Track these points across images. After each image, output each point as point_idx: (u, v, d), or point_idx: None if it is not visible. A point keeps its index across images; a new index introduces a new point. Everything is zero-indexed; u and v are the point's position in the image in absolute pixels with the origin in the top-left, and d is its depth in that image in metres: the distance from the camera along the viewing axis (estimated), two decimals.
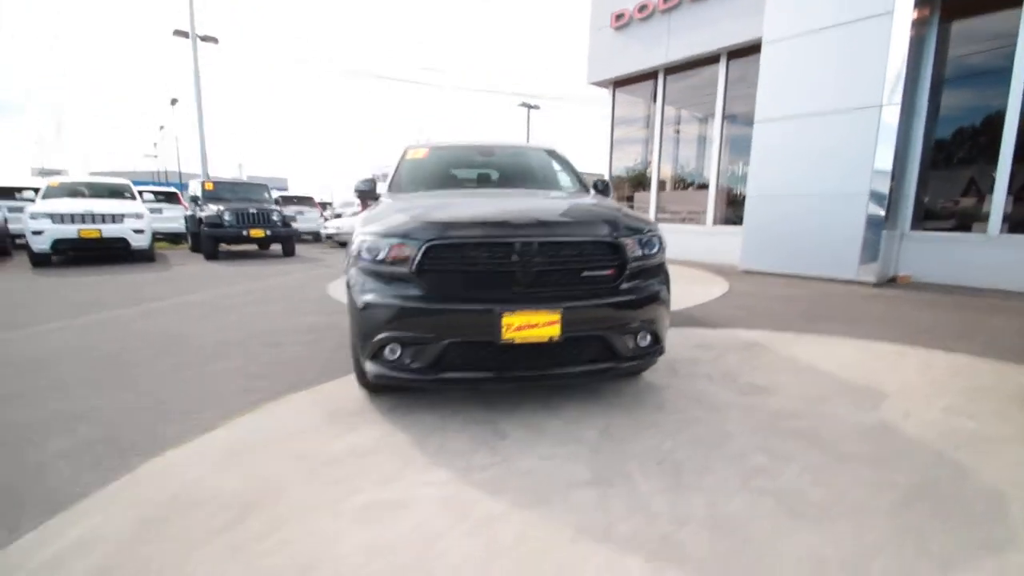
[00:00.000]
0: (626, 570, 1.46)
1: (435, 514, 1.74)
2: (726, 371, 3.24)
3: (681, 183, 10.18)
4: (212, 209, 10.14)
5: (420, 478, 1.97)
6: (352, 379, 3.07)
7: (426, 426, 2.41)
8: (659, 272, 2.63)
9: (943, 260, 6.49)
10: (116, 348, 3.74)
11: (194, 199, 11.53)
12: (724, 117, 8.80)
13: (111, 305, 5.32)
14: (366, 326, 2.34)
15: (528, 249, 2.29)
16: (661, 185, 10.22)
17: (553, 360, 2.36)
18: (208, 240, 10.05)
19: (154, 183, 29.15)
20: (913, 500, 1.84)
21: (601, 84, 10.74)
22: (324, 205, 22.18)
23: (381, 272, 2.37)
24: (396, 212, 2.57)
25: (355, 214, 19.54)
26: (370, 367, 2.38)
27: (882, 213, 6.34)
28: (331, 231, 14.17)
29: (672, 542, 1.59)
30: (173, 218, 13.64)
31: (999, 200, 6.01)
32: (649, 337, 2.54)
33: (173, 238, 14.12)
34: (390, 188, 3.50)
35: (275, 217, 10.68)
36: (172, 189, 14.60)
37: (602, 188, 3.82)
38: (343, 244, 14.06)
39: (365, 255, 2.42)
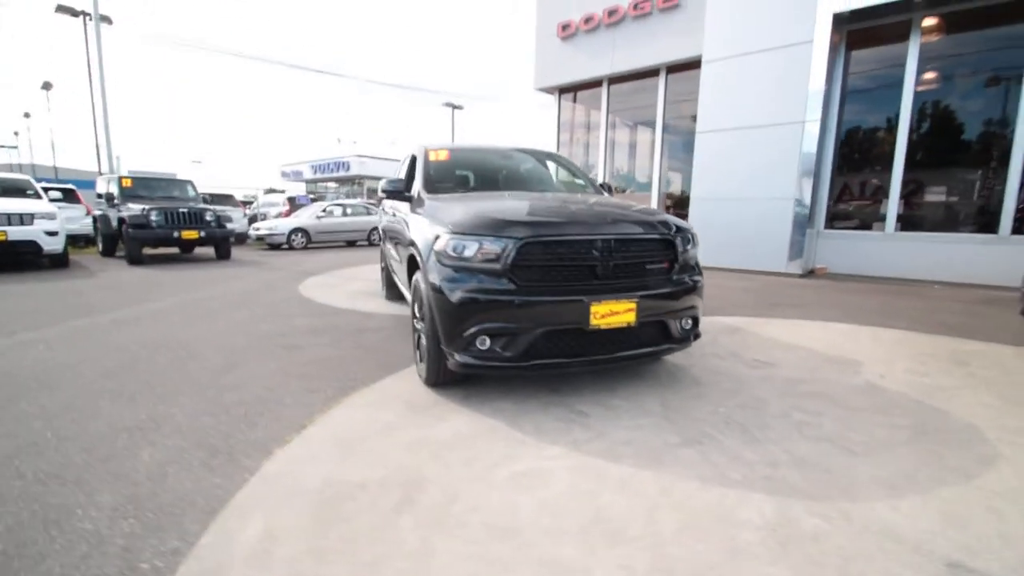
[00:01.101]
0: (757, 504, 1.82)
1: (576, 479, 1.98)
2: (728, 351, 3.75)
3: (622, 187, 10.94)
4: (135, 208, 9.21)
5: (540, 453, 2.20)
6: (406, 375, 3.19)
7: (508, 412, 2.62)
8: (696, 266, 3.04)
9: (850, 254, 7.69)
10: (121, 360, 3.49)
11: (107, 197, 10.36)
12: (665, 125, 9.65)
13: (65, 316, 4.81)
14: (460, 319, 2.50)
15: (607, 245, 2.59)
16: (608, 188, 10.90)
17: (627, 343, 2.68)
18: (133, 243, 9.13)
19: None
20: (919, 435, 2.38)
21: (547, 90, 11.23)
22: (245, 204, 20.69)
23: (471, 268, 2.54)
24: (473, 211, 2.75)
25: (280, 215, 18.53)
26: (460, 357, 2.54)
27: (806, 215, 7.40)
28: (262, 232, 13.35)
29: (776, 479, 1.98)
30: (74, 218, 12.10)
31: (893, 203, 7.28)
32: (691, 321, 2.94)
33: (72, 241, 12.51)
34: (426, 189, 3.60)
35: (209, 217, 9.91)
36: (70, 186, 12.90)
37: (608, 189, 4.21)
38: (275, 246, 13.31)
39: (451, 252, 2.58)
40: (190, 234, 9.58)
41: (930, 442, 2.31)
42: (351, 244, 15.18)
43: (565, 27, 10.23)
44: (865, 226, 7.76)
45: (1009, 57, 6.43)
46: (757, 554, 1.55)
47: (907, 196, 7.26)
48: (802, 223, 7.42)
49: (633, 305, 2.57)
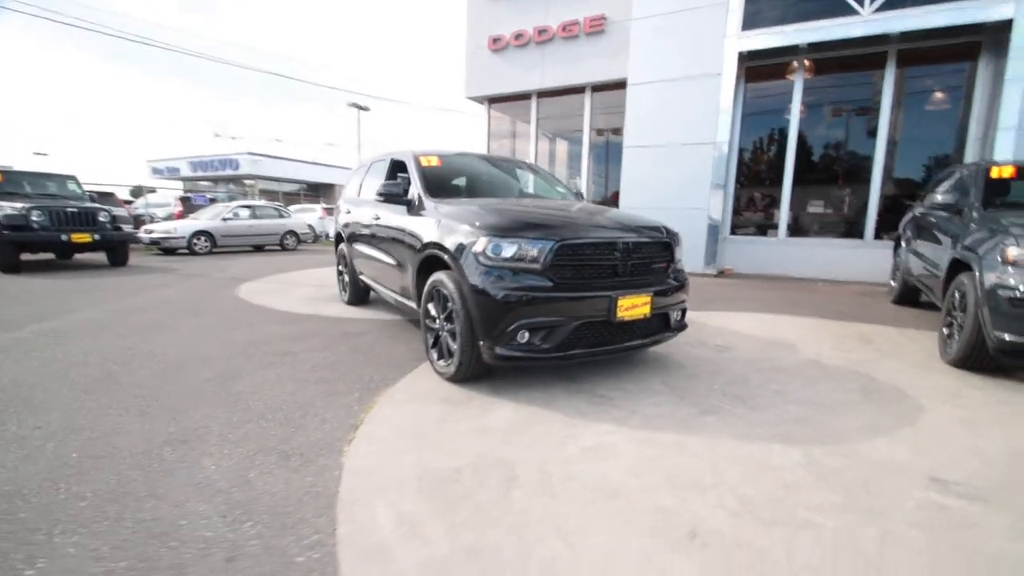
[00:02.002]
0: (784, 452, 2.25)
1: (638, 448, 2.29)
2: (695, 339, 4.29)
3: None
4: (9, 207, 7.88)
5: (594, 430, 2.47)
6: (421, 373, 3.27)
7: (541, 400, 2.85)
8: (681, 266, 3.51)
9: (750, 256, 8.92)
10: (93, 375, 3.14)
11: None
12: (591, 139, 10.40)
13: None
14: (502, 315, 2.69)
15: (627, 247, 2.94)
16: (581, 196, 11.45)
17: (640, 332, 3.05)
18: (8, 248, 7.79)
19: None
20: (866, 394, 3.03)
21: (477, 99, 11.51)
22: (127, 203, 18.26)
23: (512, 268, 2.74)
24: (509, 216, 2.97)
25: (171, 216, 16.65)
26: (501, 351, 2.74)
27: (718, 222, 8.47)
28: (158, 235, 11.94)
29: (787, 434, 2.44)
30: None
31: (784, 213, 8.61)
32: (681, 313, 3.40)
33: None
34: (428, 193, 3.69)
35: (103, 218, 8.75)
36: None
37: (581, 196, 4.60)
38: (170, 251, 11.99)
39: (491, 254, 2.76)
40: (81, 237, 8.39)
41: (875, 399, 2.95)
42: (259, 249, 14.17)
43: (496, 40, 10.61)
44: (762, 232, 9.04)
45: (867, 93, 7.96)
46: (806, 486, 1.96)
47: (794, 208, 8.62)
48: (715, 230, 8.48)
49: (649, 299, 2.95)
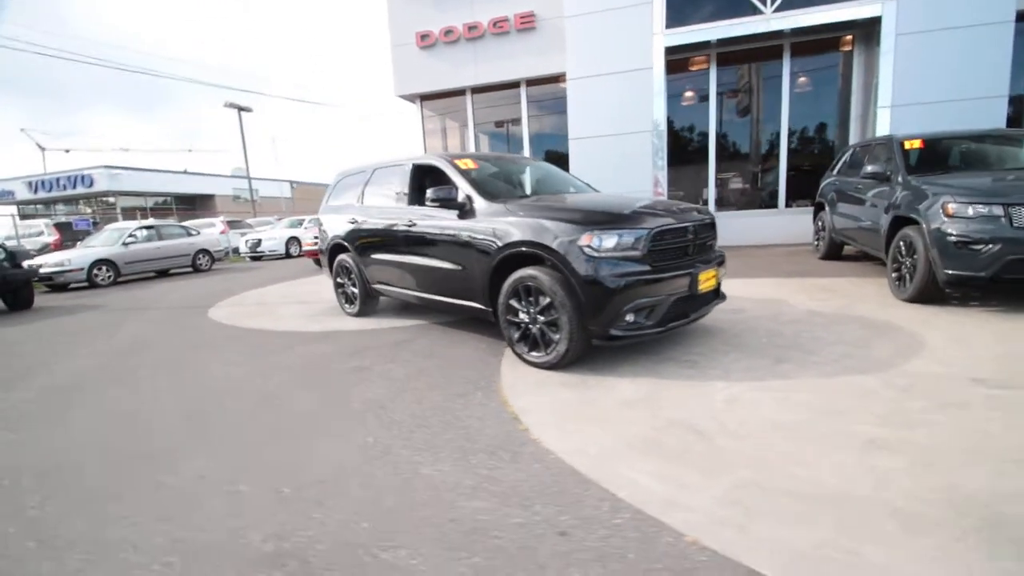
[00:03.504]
0: (861, 380, 2.84)
1: (763, 394, 2.74)
2: None
3: None
4: None
5: (713, 387, 2.88)
6: (510, 365, 3.44)
7: (643, 372, 3.21)
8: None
9: None
10: (166, 426, 2.91)
11: None
12: (530, 131, 10.80)
13: None
14: (616, 300, 3.00)
15: (695, 229, 3.39)
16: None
17: (705, 301, 3.52)
18: None
19: None
20: (873, 329, 3.78)
21: (408, 97, 11.34)
22: None
23: (617, 257, 3.05)
24: (602, 209, 3.32)
25: (47, 247, 14.19)
26: (614, 331, 3.06)
27: None
28: (49, 269, 10.22)
29: (852, 367, 3.05)
30: None
31: (711, 189, 9.73)
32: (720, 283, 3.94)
33: None
34: (484, 197, 3.82)
35: None
36: None
37: (591, 187, 4.99)
38: (61, 287, 10.32)
39: (595, 245, 3.04)
40: None
41: (881, 333, 3.71)
42: (164, 274, 12.75)
43: (424, 36, 10.53)
44: None
45: (775, 84, 9.27)
46: (903, 399, 2.55)
47: (720, 185, 9.79)
48: None
49: (715, 272, 3.43)
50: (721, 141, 9.69)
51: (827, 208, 7.05)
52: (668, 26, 8.72)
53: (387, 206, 4.82)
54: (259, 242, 16.18)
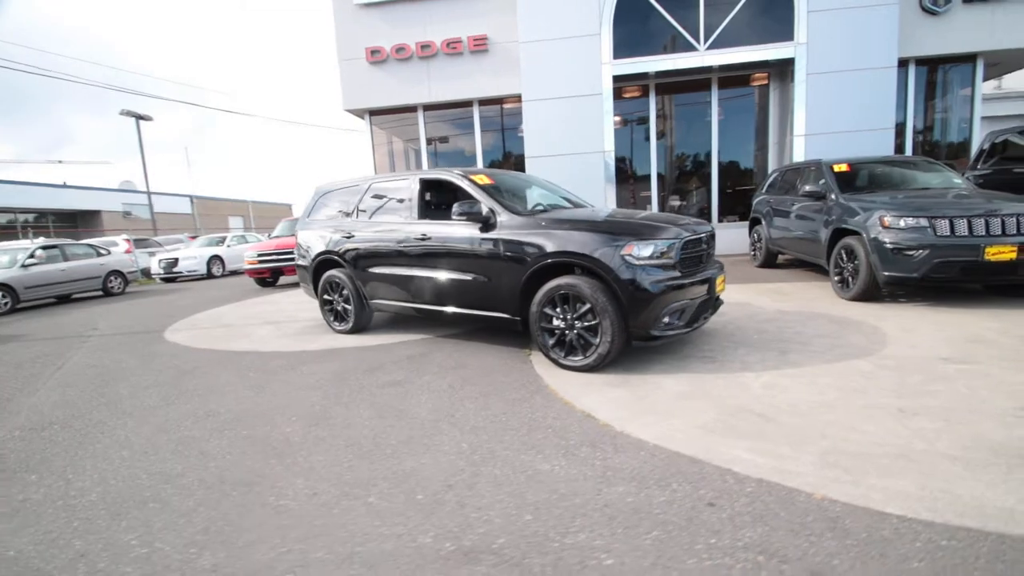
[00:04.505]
0: (859, 364, 3.38)
1: (789, 380, 3.16)
2: None
3: None
4: None
5: (744, 377, 3.26)
6: (548, 371, 3.62)
7: (678, 367, 3.54)
8: None
9: None
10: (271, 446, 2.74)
11: None
12: (483, 149, 11.04)
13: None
14: (656, 304, 3.31)
15: (708, 239, 3.81)
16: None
17: (713, 304, 3.93)
18: None
19: None
20: (839, 324, 4.43)
21: (356, 112, 11.13)
22: None
23: (653, 264, 3.36)
24: (637, 222, 3.63)
25: None
26: (654, 332, 3.36)
27: None
28: None
29: (843, 354, 3.59)
30: None
31: (654, 207, 10.56)
32: None
33: None
34: (508, 211, 3.99)
35: None
36: None
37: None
38: None
39: (635, 253, 3.33)
40: None
41: (847, 327, 4.36)
42: (65, 299, 11.33)
43: (375, 52, 10.43)
44: None
45: (703, 112, 10.31)
46: (897, 377, 3.07)
47: (661, 202, 10.65)
48: None
49: (724, 277, 3.87)
50: (663, 164, 10.58)
51: (763, 222, 7.98)
52: (615, 57, 9.45)
53: (390, 220, 4.80)
54: (175, 262, 14.81)
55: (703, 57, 9.24)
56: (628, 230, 3.49)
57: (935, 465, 2.04)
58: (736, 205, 10.47)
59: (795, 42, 8.90)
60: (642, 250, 3.36)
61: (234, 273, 15.81)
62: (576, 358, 3.58)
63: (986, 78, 9.94)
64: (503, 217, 3.98)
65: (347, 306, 5.28)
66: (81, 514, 2.11)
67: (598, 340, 3.46)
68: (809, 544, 1.63)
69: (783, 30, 8.94)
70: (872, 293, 5.14)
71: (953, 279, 4.70)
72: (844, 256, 5.46)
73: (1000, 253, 4.40)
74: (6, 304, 9.54)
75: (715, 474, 2.10)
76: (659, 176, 10.50)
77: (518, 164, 10.58)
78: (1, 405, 3.77)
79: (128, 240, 16.14)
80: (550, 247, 3.63)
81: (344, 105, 10.87)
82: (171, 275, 14.78)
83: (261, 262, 10.23)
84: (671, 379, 3.32)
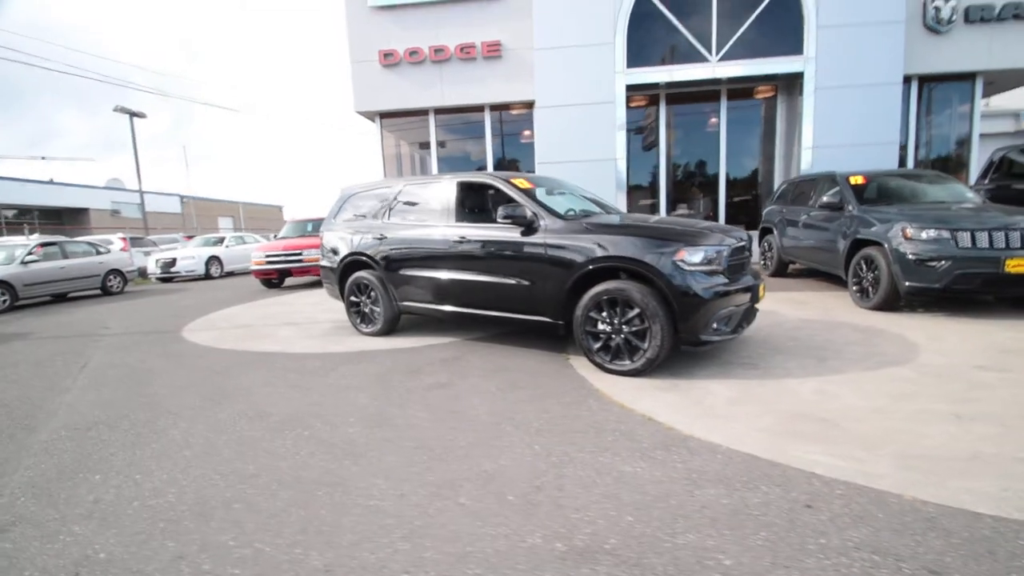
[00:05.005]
0: (901, 371, 3.46)
1: (836, 387, 3.22)
2: None
3: None
4: None
5: (790, 383, 3.32)
6: (586, 373, 3.64)
7: (721, 373, 3.59)
8: None
9: None
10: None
11: None
12: (495, 154, 11.08)
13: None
14: (708, 309, 3.36)
15: (748, 247, 3.88)
16: None
17: (752, 312, 3.99)
18: None
19: None
20: (865, 333, 4.53)
21: (367, 114, 11.11)
22: None
23: (704, 271, 3.42)
24: (680, 228, 3.66)
25: None
26: (704, 336, 3.41)
27: None
28: None
29: (879, 362, 3.68)
30: None
31: (663, 206, 10.68)
32: None
33: None
34: (552, 215, 4.02)
35: None
36: None
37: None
38: None
39: (687, 259, 3.39)
40: None
41: (872, 334, 4.45)
42: (62, 298, 11.11)
43: (388, 55, 10.44)
44: None
45: (711, 123, 10.48)
46: (938, 383, 3.16)
47: (670, 211, 10.78)
48: None
49: (764, 284, 3.94)
50: (672, 174, 10.72)
51: (775, 232, 8.12)
52: (628, 66, 9.58)
53: (426, 223, 4.80)
54: (173, 262, 14.58)
55: (715, 68, 9.41)
56: (678, 236, 3.54)
57: (1009, 468, 2.11)
58: (740, 214, 10.64)
59: (804, 56, 9.11)
60: (693, 256, 3.42)
61: (231, 274, 15.62)
62: (624, 362, 3.62)
63: (983, 96, 10.26)
64: (546, 221, 4.01)
65: (375, 308, 5.26)
66: (163, 515, 2.08)
67: (647, 344, 3.50)
68: (916, 543, 1.67)
69: (793, 44, 9.15)
70: (892, 303, 5.26)
71: (973, 290, 4.84)
72: (864, 266, 5.58)
73: (1019, 265, 4.54)
74: (4, 302, 9.31)
75: (799, 477, 2.14)
76: (667, 184, 10.63)
77: (528, 170, 10.64)
78: (36, 404, 3.68)
79: (124, 239, 15.86)
80: (599, 252, 3.66)
81: (355, 107, 10.85)
82: (168, 275, 14.54)
83: (269, 263, 10.13)
84: (718, 384, 3.37)
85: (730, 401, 3.07)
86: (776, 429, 2.63)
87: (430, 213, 4.82)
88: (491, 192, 4.53)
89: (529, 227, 4.05)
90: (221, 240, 16.34)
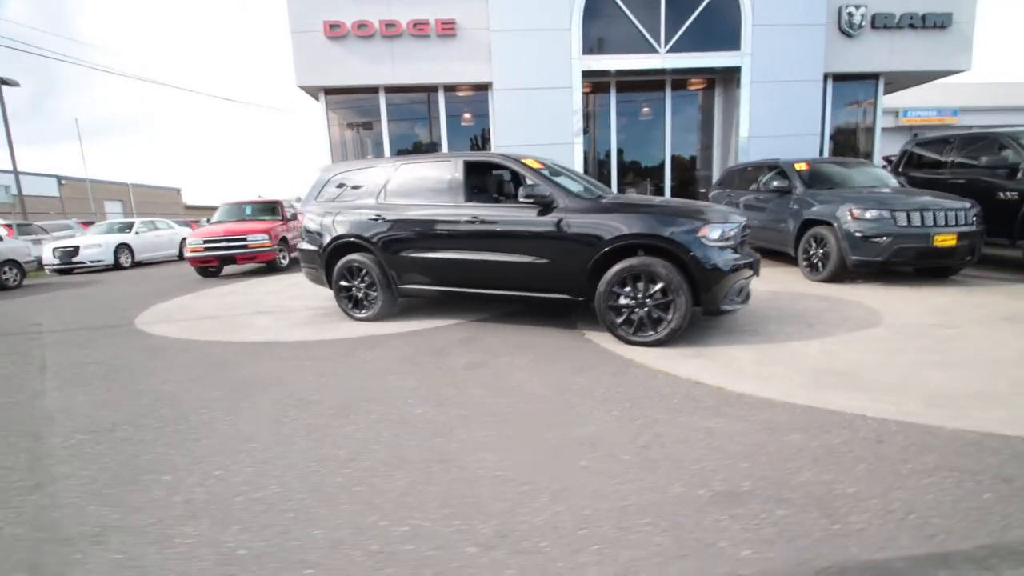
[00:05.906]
0: (876, 331, 4.02)
1: (845, 348, 3.68)
2: None
3: None
4: None
5: (800, 346, 3.75)
6: (611, 346, 3.86)
7: (734, 344, 3.95)
8: None
9: None
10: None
11: None
12: (448, 136, 10.88)
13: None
14: (728, 280, 3.69)
15: (748, 226, 4.26)
16: None
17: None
18: None
19: None
20: (829, 301, 5.16)
21: (310, 89, 10.40)
22: None
23: (721, 246, 3.73)
24: (704, 205, 3.91)
25: None
26: (723, 306, 3.74)
27: None
28: None
29: (855, 326, 4.24)
30: None
31: (613, 187, 11.13)
32: None
33: None
34: (567, 194, 4.15)
35: None
36: None
37: None
38: None
39: (710, 235, 3.68)
40: None
41: (836, 303, 5.08)
42: None
43: (334, 27, 9.79)
44: None
45: (658, 110, 11.05)
46: (921, 339, 3.73)
47: (621, 190, 11.27)
48: None
49: (760, 259, 4.36)
50: (620, 157, 11.19)
51: None
52: (584, 53, 9.81)
53: (431, 203, 4.71)
54: (75, 250, 12.84)
55: (664, 59, 9.92)
56: (695, 214, 3.82)
57: (1010, 400, 2.59)
58: (682, 197, 11.37)
59: (741, 52, 9.87)
60: (713, 232, 3.71)
61: (140, 264, 14.11)
62: (647, 333, 3.86)
63: (884, 94, 11.72)
64: (566, 201, 4.13)
65: (370, 292, 5.09)
66: (281, 506, 1.97)
67: (670, 316, 3.76)
68: (978, 460, 2.04)
69: (732, 40, 9.87)
70: (839, 276, 6.00)
71: (908, 262, 5.68)
72: (813, 243, 6.29)
73: (944, 240, 5.39)
74: None
75: (857, 420, 2.48)
76: (619, 168, 11.10)
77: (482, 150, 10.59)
78: (18, 410, 3.20)
79: (8, 226, 13.68)
80: (625, 229, 3.85)
81: (297, 81, 10.11)
82: (69, 265, 12.80)
83: (208, 250, 9.28)
84: (737, 349, 3.72)
85: (755, 362, 3.41)
86: (810, 384, 2.99)
87: (435, 193, 4.73)
88: (501, 172, 4.55)
89: (548, 206, 4.14)
90: (130, 226, 14.62)
